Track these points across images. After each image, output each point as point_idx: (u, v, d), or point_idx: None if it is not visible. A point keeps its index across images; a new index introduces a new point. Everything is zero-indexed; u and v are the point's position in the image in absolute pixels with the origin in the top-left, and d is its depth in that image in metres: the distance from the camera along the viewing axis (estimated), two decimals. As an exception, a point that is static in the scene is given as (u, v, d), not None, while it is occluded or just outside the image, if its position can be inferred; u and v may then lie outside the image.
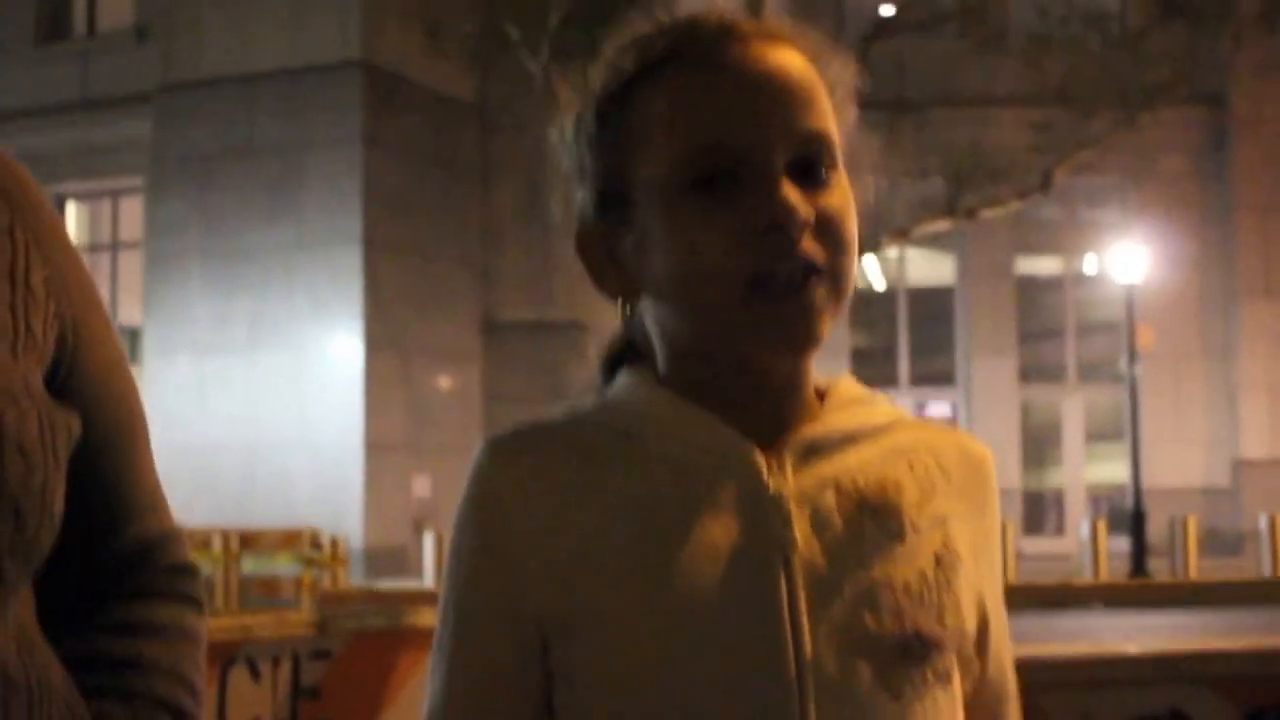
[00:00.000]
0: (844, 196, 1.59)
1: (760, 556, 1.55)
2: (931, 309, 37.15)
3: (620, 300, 1.65)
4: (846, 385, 1.68)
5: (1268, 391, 35.26)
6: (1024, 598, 22.12)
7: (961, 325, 36.71)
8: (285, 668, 6.79)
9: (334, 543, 24.25)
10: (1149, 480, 30.43)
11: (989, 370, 36.23)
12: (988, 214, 26.90)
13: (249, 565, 24.96)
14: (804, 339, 1.55)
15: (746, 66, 1.56)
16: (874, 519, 1.59)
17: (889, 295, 37.07)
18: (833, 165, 1.58)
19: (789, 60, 1.58)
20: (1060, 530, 36.19)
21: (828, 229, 1.55)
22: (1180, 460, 35.47)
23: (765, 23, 1.61)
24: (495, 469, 1.61)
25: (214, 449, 31.83)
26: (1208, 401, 35.85)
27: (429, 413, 33.17)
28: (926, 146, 32.26)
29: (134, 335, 34.60)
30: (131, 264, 35.83)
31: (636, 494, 1.58)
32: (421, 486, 32.58)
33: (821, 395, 1.67)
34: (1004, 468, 35.58)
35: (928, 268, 37.35)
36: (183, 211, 33.19)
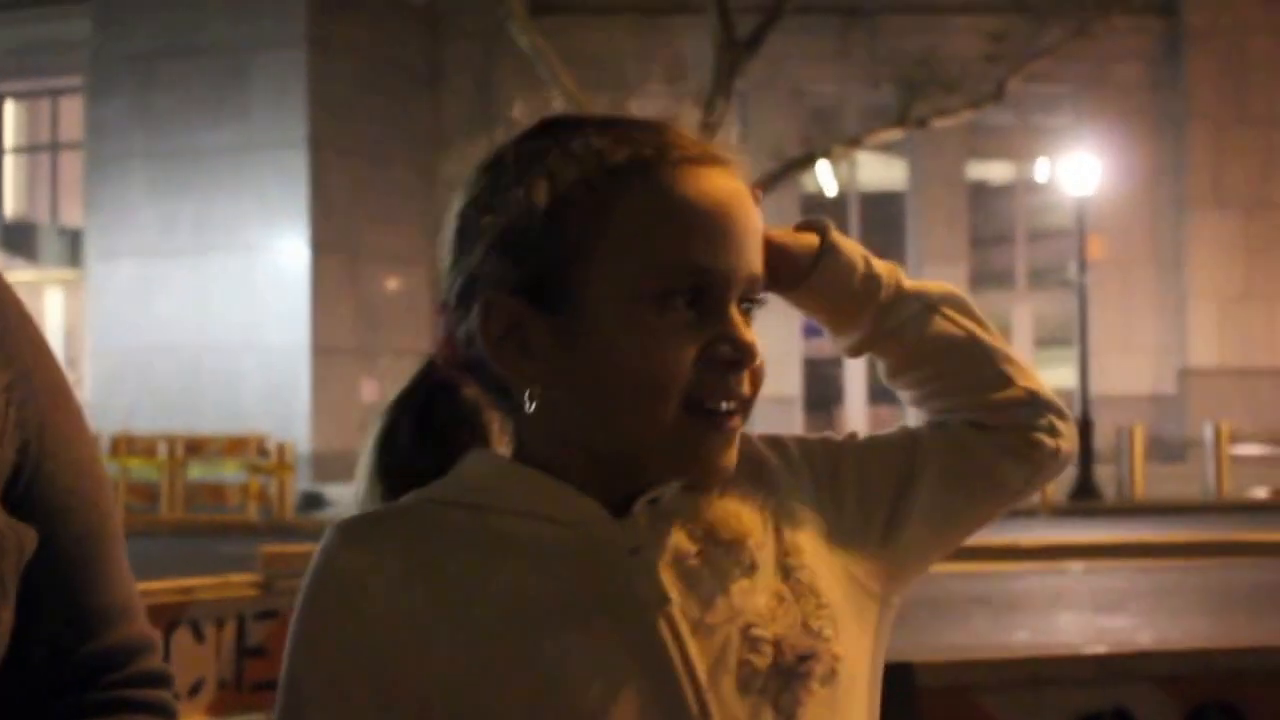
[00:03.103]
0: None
1: (643, 621, 1.57)
2: (883, 214, 37.16)
3: (527, 384, 1.61)
4: None
5: (1215, 301, 35.51)
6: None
7: (913, 231, 36.75)
8: (229, 628, 6.79)
9: (281, 449, 24.13)
10: (1096, 387, 30.59)
11: (939, 276, 35.02)
12: (940, 123, 26.83)
13: (195, 472, 24.88)
14: (723, 469, 1.61)
15: (725, 195, 1.60)
16: (729, 554, 1.63)
17: (840, 200, 37.05)
18: (757, 302, 1.66)
19: (749, 199, 1.63)
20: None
21: (756, 370, 1.62)
22: (1128, 368, 35.74)
23: (731, 151, 1.65)
24: (352, 554, 1.58)
25: (158, 354, 31.75)
26: (1156, 310, 36.10)
27: (377, 316, 33.11)
28: (879, 55, 32.16)
29: (75, 238, 34.31)
30: (72, 165, 35.48)
31: (504, 575, 1.57)
32: (369, 391, 32.48)
33: None
34: (953, 374, 35.77)
35: (879, 172, 37.39)
36: (124, 112, 32.90)
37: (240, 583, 7.09)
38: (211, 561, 13.68)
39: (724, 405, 1.58)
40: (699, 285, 1.56)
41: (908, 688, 4.34)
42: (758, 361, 1.59)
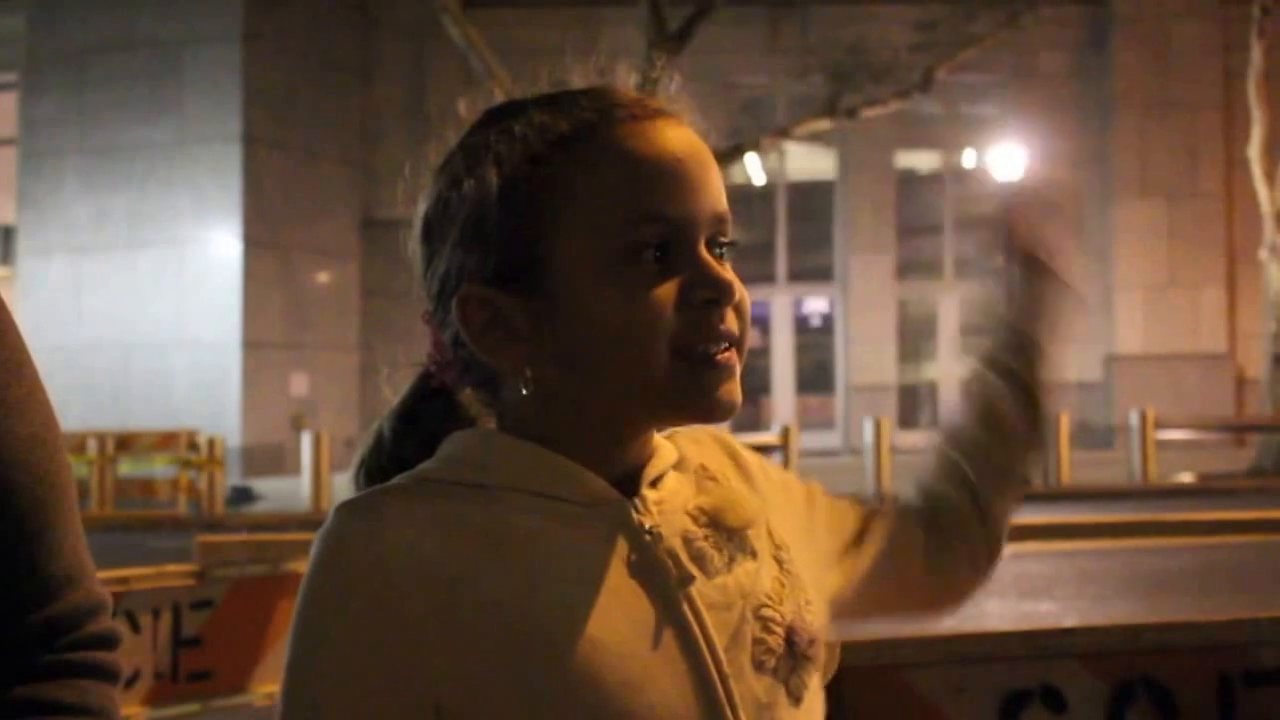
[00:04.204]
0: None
1: (664, 596, 1.59)
2: (811, 204, 37.15)
3: (517, 368, 1.61)
4: None
5: (1141, 288, 35.67)
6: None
7: (841, 221, 36.78)
8: (165, 619, 6.77)
9: (211, 443, 23.95)
10: (1024, 375, 30.69)
11: (867, 266, 36.38)
12: (868, 113, 26.89)
13: (125, 467, 24.68)
14: (733, 405, 1.61)
15: (674, 144, 1.61)
16: (730, 541, 1.66)
17: (768, 190, 37.02)
18: (729, 244, 1.65)
19: (699, 142, 1.64)
20: (935, 424, 36.36)
21: (739, 305, 1.62)
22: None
23: (672, 102, 1.67)
24: (361, 532, 1.53)
25: (90, 349, 31.47)
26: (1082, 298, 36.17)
27: (307, 311, 32.95)
28: (808, 45, 32.18)
29: (7, 234, 33.96)
30: (5, 162, 35.04)
31: (520, 551, 1.56)
32: (299, 385, 32.34)
33: None
34: (881, 364, 35.92)
35: (807, 162, 37.28)
36: (58, 107, 32.57)
37: (176, 573, 7.05)
38: (141, 557, 13.60)
39: (713, 348, 1.58)
40: (664, 235, 1.57)
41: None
42: (738, 297, 1.60)
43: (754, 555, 1.67)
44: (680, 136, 1.62)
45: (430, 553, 1.53)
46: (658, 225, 1.57)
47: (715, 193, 1.63)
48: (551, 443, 1.62)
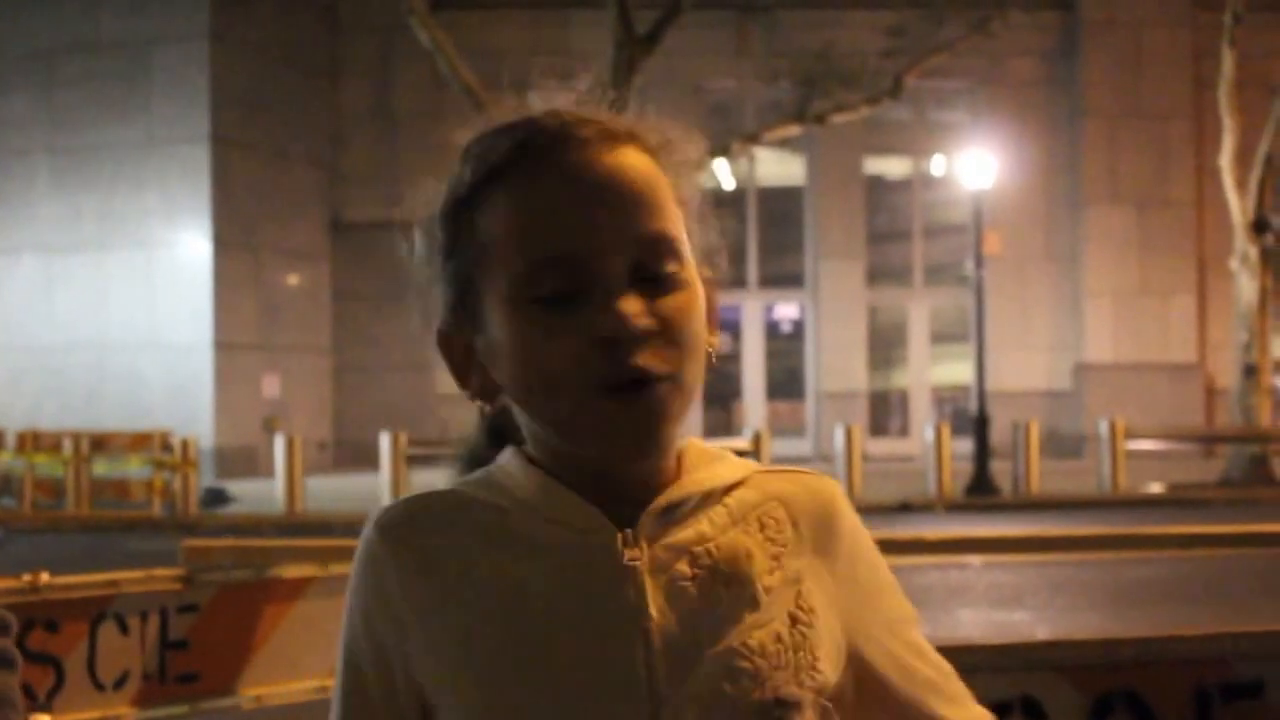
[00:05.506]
0: (689, 296, 1.62)
1: (618, 629, 1.60)
2: (781, 209, 37.23)
3: (479, 401, 1.71)
4: (696, 447, 1.71)
5: (1111, 296, 35.87)
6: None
7: (810, 227, 36.86)
8: (153, 621, 6.87)
9: (184, 445, 24.30)
10: (993, 383, 30.84)
11: (837, 272, 36.47)
12: (838, 119, 26.93)
13: (100, 468, 24.95)
14: (647, 444, 1.60)
15: (583, 174, 1.59)
16: (727, 588, 1.64)
17: (738, 195, 37.08)
18: (677, 262, 1.61)
19: (627, 161, 1.61)
20: (905, 432, 36.66)
21: (670, 334, 1.58)
22: (1024, 363, 36.03)
23: (607, 120, 1.64)
24: (385, 557, 1.65)
25: (63, 350, 31.58)
26: (1052, 306, 36.40)
27: (278, 312, 33.02)
28: (777, 50, 32.26)
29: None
30: (-25, 163, 35.08)
31: (506, 573, 1.62)
32: (271, 386, 32.45)
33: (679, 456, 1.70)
34: (851, 370, 36.04)
35: (778, 167, 37.42)
36: (27, 108, 32.56)
37: (164, 576, 7.19)
38: (121, 558, 13.59)
39: (614, 382, 1.55)
40: (568, 275, 1.56)
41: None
42: (634, 331, 1.55)
43: (755, 607, 1.65)
44: (592, 164, 1.60)
45: (422, 570, 1.63)
46: (559, 268, 1.56)
47: (631, 219, 1.59)
48: (553, 467, 1.66)
